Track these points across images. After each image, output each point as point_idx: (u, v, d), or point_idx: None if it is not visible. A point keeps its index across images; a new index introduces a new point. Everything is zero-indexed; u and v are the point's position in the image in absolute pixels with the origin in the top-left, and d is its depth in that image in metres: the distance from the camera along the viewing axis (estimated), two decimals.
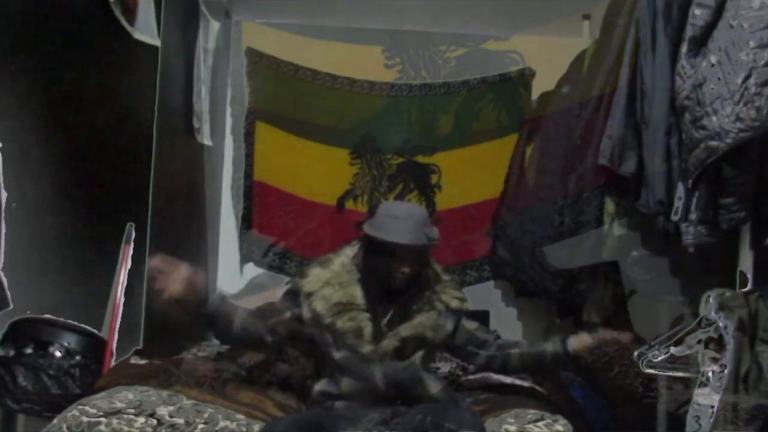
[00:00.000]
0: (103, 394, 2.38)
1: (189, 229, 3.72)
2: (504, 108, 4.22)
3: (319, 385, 2.52)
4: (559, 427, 2.37)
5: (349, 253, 2.62)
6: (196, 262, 3.83)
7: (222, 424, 2.26)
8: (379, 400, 2.41)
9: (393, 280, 2.47)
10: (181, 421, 2.24)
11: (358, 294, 2.50)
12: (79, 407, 2.24)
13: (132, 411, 2.25)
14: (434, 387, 2.50)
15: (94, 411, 2.22)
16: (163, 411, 2.28)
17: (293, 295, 2.57)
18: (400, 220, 2.49)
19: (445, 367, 3.11)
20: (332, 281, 2.52)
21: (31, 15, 2.55)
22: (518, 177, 3.77)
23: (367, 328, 2.46)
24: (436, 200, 4.22)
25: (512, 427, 2.35)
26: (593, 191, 2.52)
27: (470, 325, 2.63)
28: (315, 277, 2.55)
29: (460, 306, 2.61)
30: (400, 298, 2.51)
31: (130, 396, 2.35)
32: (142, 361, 2.77)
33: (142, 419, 2.22)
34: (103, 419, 2.19)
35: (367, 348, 2.45)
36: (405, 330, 2.49)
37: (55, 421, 2.20)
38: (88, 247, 2.92)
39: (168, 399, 2.38)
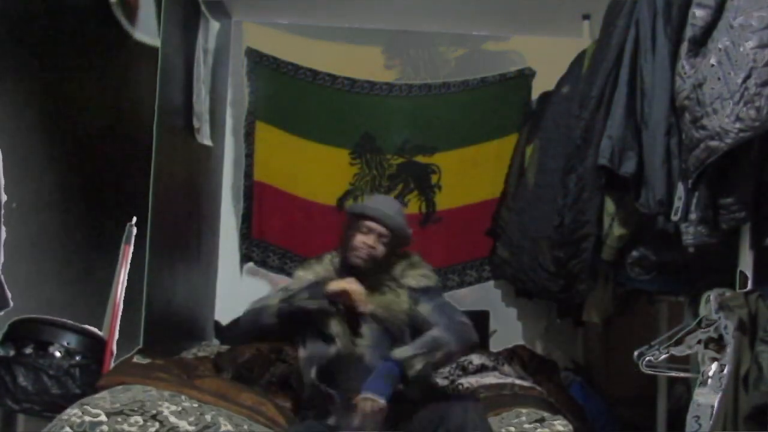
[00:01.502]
0: (104, 393, 2.37)
1: (189, 229, 3.73)
2: (504, 108, 4.22)
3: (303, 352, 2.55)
4: (560, 428, 2.37)
5: (328, 257, 2.70)
6: (197, 262, 3.84)
7: (224, 428, 2.26)
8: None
9: (353, 248, 2.54)
10: (182, 423, 2.24)
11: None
12: (81, 407, 2.24)
13: (134, 411, 2.24)
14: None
15: (95, 411, 2.22)
16: (165, 412, 2.28)
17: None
18: (376, 200, 2.77)
19: (444, 367, 3.11)
20: (321, 280, 2.55)
21: (32, 15, 2.56)
22: (518, 177, 3.77)
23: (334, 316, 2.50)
24: (436, 200, 4.22)
25: (512, 428, 2.35)
26: (593, 191, 2.51)
27: (425, 308, 2.55)
28: (297, 278, 2.64)
29: (419, 284, 2.59)
30: (364, 284, 2.52)
31: (132, 396, 2.35)
32: (145, 361, 2.77)
33: (143, 419, 2.22)
34: (104, 419, 2.19)
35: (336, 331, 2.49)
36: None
37: (56, 420, 2.20)
38: (88, 247, 2.92)
39: (170, 399, 2.37)
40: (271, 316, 2.50)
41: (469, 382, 3.03)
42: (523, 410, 2.48)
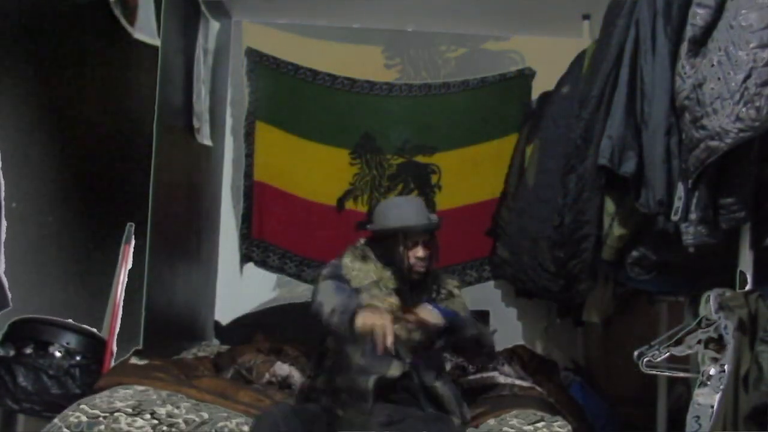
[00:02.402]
0: (102, 394, 2.38)
1: (189, 229, 3.72)
2: (504, 108, 4.22)
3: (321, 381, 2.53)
4: (558, 428, 2.37)
5: (371, 255, 2.63)
6: (197, 262, 3.84)
7: (221, 423, 2.27)
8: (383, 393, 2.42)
9: (412, 267, 2.56)
10: (180, 420, 2.25)
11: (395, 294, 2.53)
12: (80, 407, 2.24)
13: (131, 411, 2.25)
14: (443, 389, 2.51)
15: (94, 411, 2.22)
16: (162, 411, 2.28)
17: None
18: (402, 208, 2.64)
19: (472, 352, 3.09)
20: (380, 283, 2.55)
21: (31, 15, 2.55)
22: (518, 177, 3.76)
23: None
24: (436, 200, 4.22)
25: (512, 429, 2.35)
26: (593, 191, 2.51)
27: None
28: (362, 272, 2.58)
29: (459, 293, 2.72)
30: (418, 290, 2.59)
31: (130, 396, 2.35)
32: (142, 362, 2.77)
33: (141, 419, 2.22)
34: (102, 419, 2.19)
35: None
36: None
37: (55, 420, 2.21)
38: (88, 247, 2.92)
39: (167, 398, 2.38)
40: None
41: (468, 382, 3.02)
42: (523, 410, 2.48)
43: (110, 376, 2.57)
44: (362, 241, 2.70)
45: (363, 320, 2.25)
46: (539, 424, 2.37)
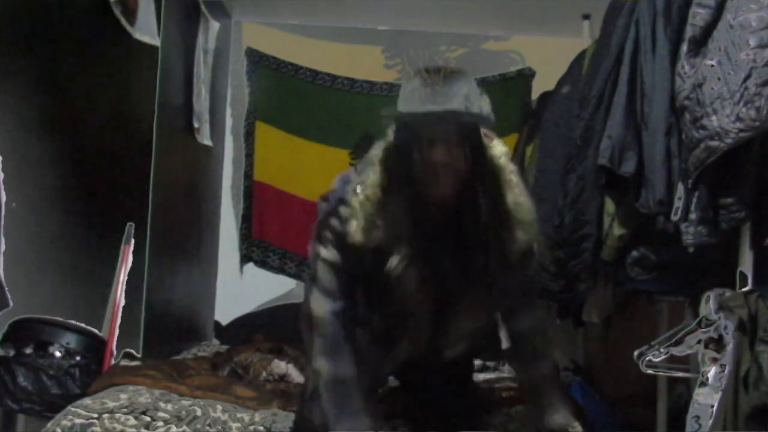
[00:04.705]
0: (95, 396, 2.39)
1: (189, 229, 3.73)
2: (504, 108, 4.20)
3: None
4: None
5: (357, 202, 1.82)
6: (197, 262, 3.83)
7: (214, 415, 2.27)
8: None
9: (430, 192, 1.65)
10: (173, 417, 2.25)
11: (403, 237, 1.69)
12: (72, 409, 2.25)
13: (124, 410, 2.25)
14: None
15: (87, 413, 2.22)
16: (155, 408, 2.29)
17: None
18: (423, 84, 1.67)
19: None
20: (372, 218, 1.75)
21: (31, 15, 2.56)
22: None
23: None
24: None
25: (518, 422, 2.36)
26: (593, 191, 2.51)
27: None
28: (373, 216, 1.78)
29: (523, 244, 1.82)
30: (453, 236, 1.71)
31: (122, 396, 2.35)
32: (132, 363, 2.77)
33: (134, 418, 2.23)
34: (95, 420, 2.19)
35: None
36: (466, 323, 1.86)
37: (48, 425, 2.20)
38: (88, 247, 2.92)
39: (160, 397, 2.38)
40: None
41: (488, 381, 3.02)
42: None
43: (102, 380, 2.57)
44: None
45: None
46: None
